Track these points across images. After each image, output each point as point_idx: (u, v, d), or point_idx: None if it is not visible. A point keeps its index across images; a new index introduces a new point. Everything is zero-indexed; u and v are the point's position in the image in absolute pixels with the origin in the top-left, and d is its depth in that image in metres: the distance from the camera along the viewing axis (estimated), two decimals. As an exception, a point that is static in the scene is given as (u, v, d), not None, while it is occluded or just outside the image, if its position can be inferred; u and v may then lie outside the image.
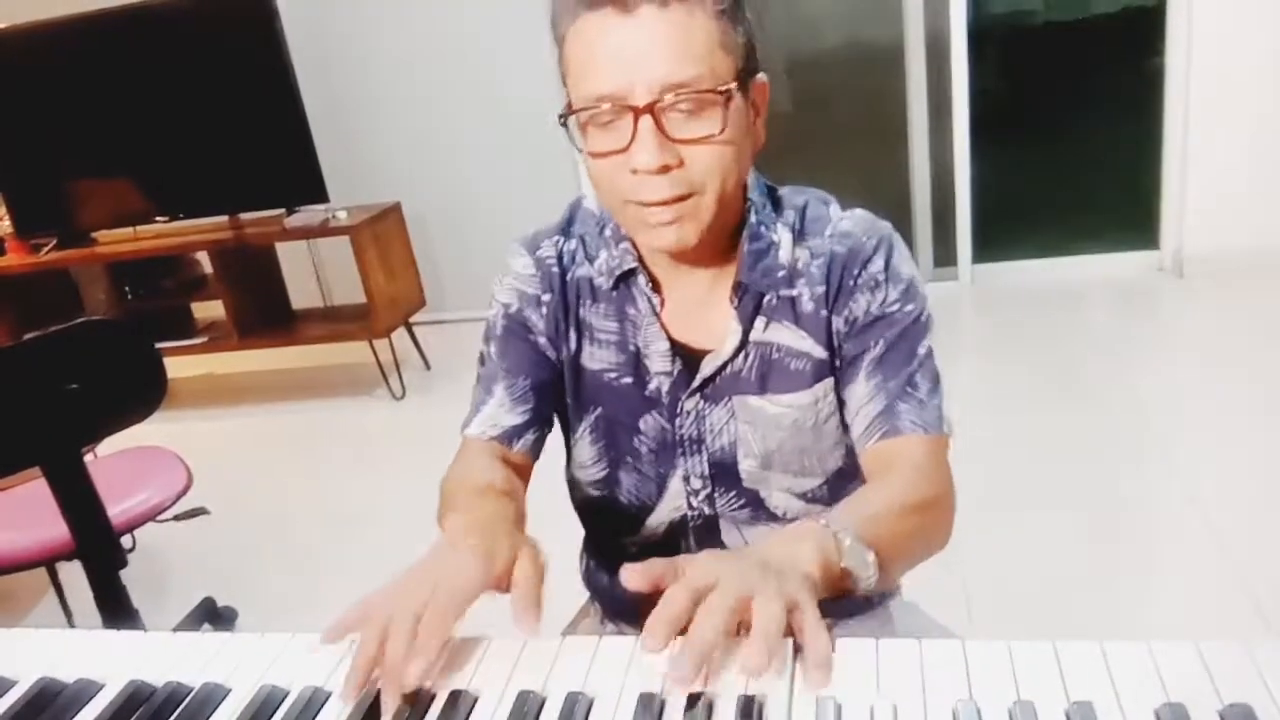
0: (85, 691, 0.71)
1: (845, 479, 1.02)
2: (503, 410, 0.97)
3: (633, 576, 0.65)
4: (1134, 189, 3.80)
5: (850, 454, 1.01)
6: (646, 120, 0.78)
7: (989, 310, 3.77)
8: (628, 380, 0.97)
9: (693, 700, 0.61)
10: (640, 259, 0.94)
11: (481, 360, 1.02)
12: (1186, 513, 2.19)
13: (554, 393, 1.00)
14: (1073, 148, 4.03)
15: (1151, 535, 2.18)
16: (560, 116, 0.84)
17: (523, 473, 0.97)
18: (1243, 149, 3.47)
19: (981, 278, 3.97)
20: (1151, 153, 3.69)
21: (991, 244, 3.96)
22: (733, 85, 0.80)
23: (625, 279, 0.95)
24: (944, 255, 4.02)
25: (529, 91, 3.94)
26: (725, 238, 0.91)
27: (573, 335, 0.98)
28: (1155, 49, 3.57)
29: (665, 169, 0.80)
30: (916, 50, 3.84)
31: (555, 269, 0.98)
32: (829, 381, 0.94)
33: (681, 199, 0.82)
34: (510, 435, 0.97)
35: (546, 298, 0.98)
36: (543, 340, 0.99)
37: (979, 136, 3.78)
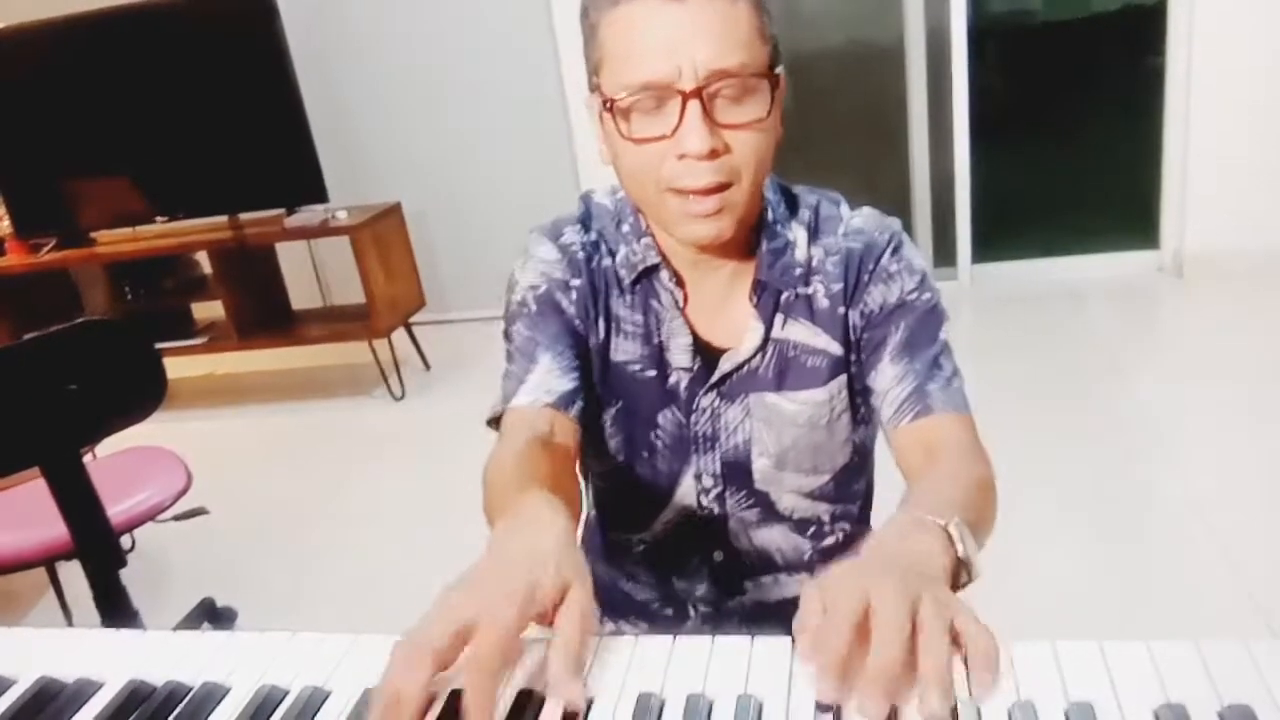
0: (85, 691, 0.71)
1: (850, 475, 1.03)
2: (552, 376, 0.92)
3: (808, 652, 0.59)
4: (1134, 189, 3.80)
5: (856, 450, 1.01)
6: (695, 105, 0.78)
7: (989, 310, 3.76)
8: (651, 373, 0.97)
9: (692, 699, 0.61)
10: (663, 255, 0.94)
11: (509, 339, 0.98)
12: (1186, 513, 2.19)
13: (589, 372, 0.97)
14: (1073, 148, 4.04)
15: (1151, 535, 2.18)
16: (605, 104, 0.82)
17: (574, 445, 0.92)
18: (1243, 149, 3.47)
19: (981, 278, 3.97)
20: (1152, 152, 3.69)
21: (991, 244, 3.96)
22: (777, 69, 0.81)
23: (647, 274, 0.95)
24: (944, 255, 4.01)
25: (530, 91, 3.94)
26: (745, 234, 0.92)
27: (601, 325, 0.97)
28: (1155, 48, 3.57)
29: (714, 154, 0.80)
30: (917, 49, 3.84)
31: (580, 256, 0.97)
32: (843, 378, 0.95)
33: (722, 187, 0.82)
34: (565, 400, 0.92)
35: (576, 283, 0.96)
36: (576, 322, 0.96)
37: (979, 136, 3.77)
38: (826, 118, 4.11)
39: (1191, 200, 3.59)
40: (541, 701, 0.64)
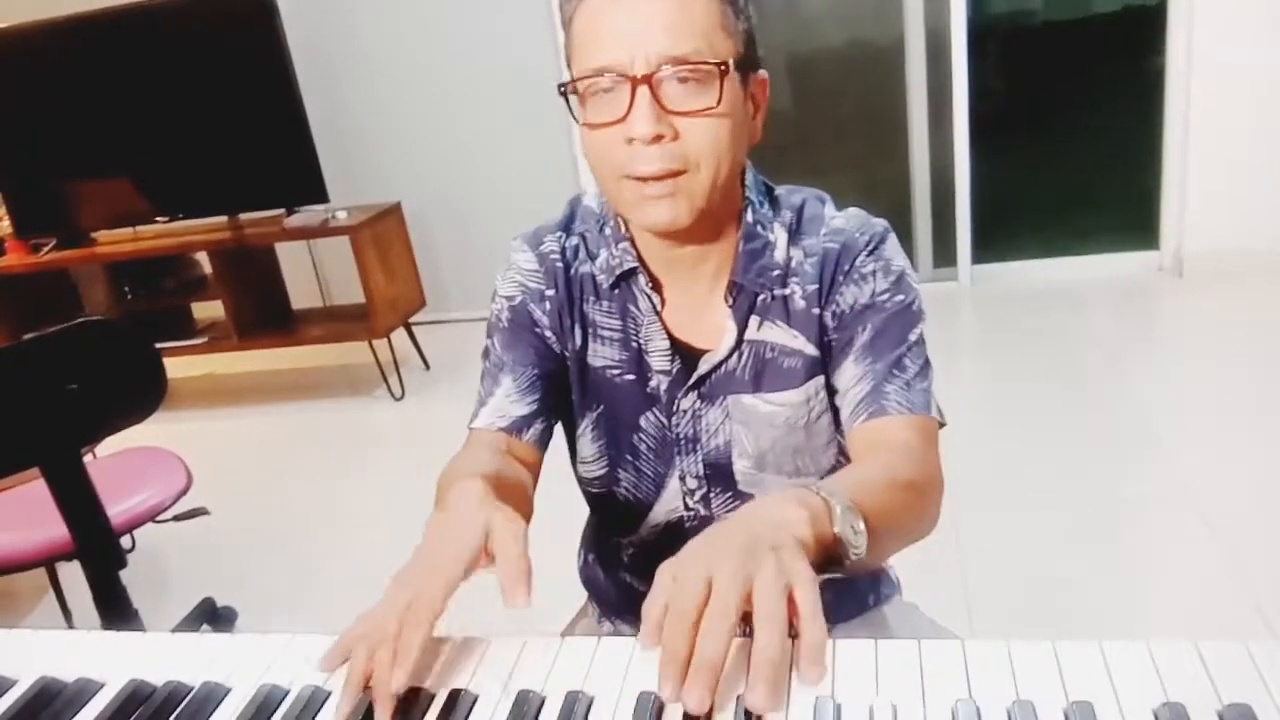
0: (85, 691, 0.71)
1: None
2: (509, 401, 0.97)
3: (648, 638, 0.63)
4: (1134, 189, 3.80)
5: (842, 453, 1.01)
6: (644, 90, 0.80)
7: (989, 310, 3.77)
8: (630, 377, 0.97)
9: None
10: (640, 258, 0.94)
11: (485, 354, 1.01)
12: (1186, 513, 2.19)
13: (560, 385, 1.00)
14: (1072, 147, 4.03)
15: (1151, 535, 2.18)
16: (560, 87, 0.85)
17: (531, 466, 0.96)
18: (1243, 149, 3.47)
19: (981, 278, 3.97)
20: (1152, 152, 3.69)
21: (991, 244, 3.96)
22: (730, 60, 0.82)
23: (625, 278, 0.95)
24: (944, 255, 4.02)
25: (529, 91, 3.95)
26: (721, 234, 0.92)
27: (578, 332, 0.98)
28: (1155, 48, 3.58)
29: (659, 138, 0.81)
30: (916, 49, 3.84)
31: (559, 264, 0.98)
32: (820, 380, 0.95)
33: (675, 174, 0.83)
34: (519, 426, 0.96)
35: (550, 293, 0.98)
36: (548, 334, 0.98)
37: (979, 136, 3.77)
38: (826, 118, 4.11)
39: (1191, 200, 3.59)
40: (541, 702, 0.64)
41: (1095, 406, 2.79)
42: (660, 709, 0.61)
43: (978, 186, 3.85)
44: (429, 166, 4.13)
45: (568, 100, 0.86)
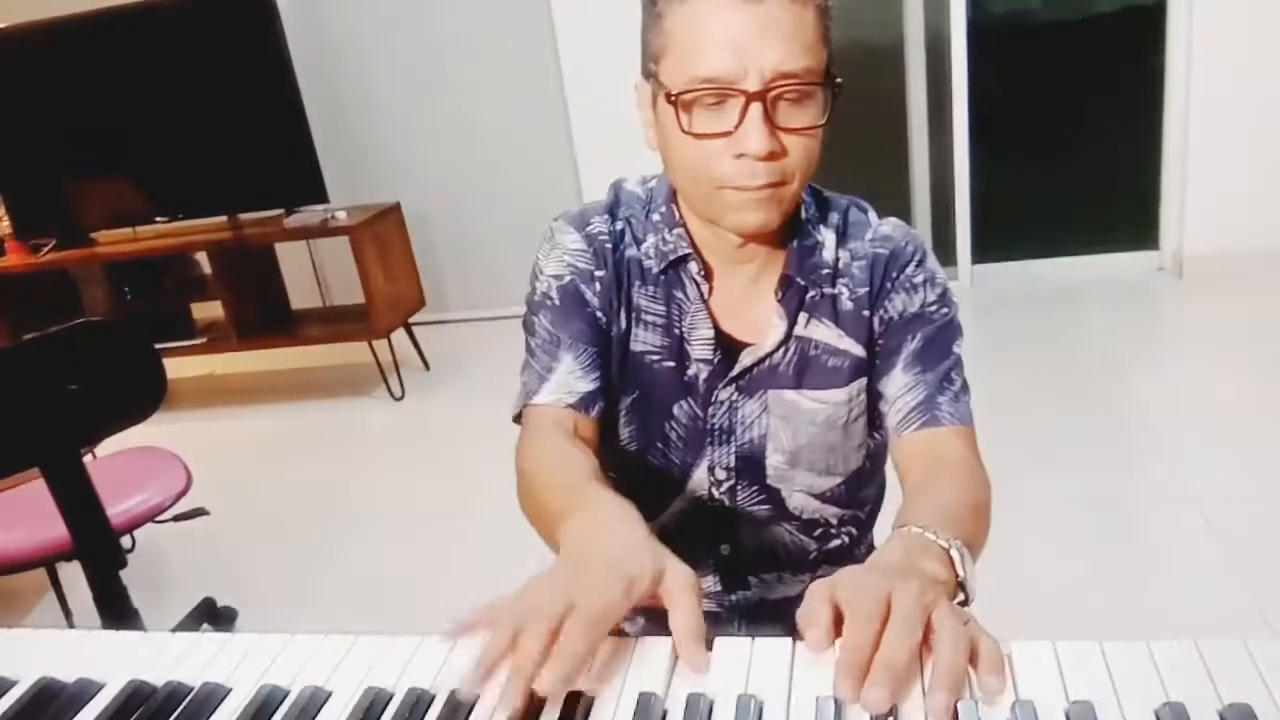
0: (85, 691, 0.71)
1: (863, 479, 1.03)
2: (574, 377, 0.94)
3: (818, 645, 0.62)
4: (1134, 189, 3.80)
5: (869, 455, 1.02)
6: (757, 107, 0.79)
7: (989, 311, 3.76)
8: (669, 364, 0.97)
9: (693, 699, 0.61)
10: (694, 246, 0.94)
11: (531, 330, 0.99)
12: (1186, 513, 2.19)
13: (610, 365, 0.99)
14: (1073, 148, 4.03)
15: (1151, 535, 2.18)
16: (667, 96, 0.82)
17: (593, 445, 0.94)
18: (1243, 149, 3.47)
19: (981, 278, 3.97)
20: (1151, 153, 3.69)
21: (991, 244, 3.95)
22: (838, 79, 0.82)
23: (676, 265, 0.95)
24: (944, 256, 4.01)
25: (530, 92, 3.94)
26: (778, 230, 0.92)
27: (624, 315, 0.97)
28: (1155, 49, 3.57)
29: (772, 156, 0.81)
30: (916, 50, 3.84)
31: (608, 245, 0.97)
32: (863, 381, 0.96)
33: (774, 185, 0.83)
34: (586, 402, 0.94)
35: (600, 274, 0.96)
36: (599, 315, 0.97)
37: (979, 136, 3.77)
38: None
39: (1191, 200, 3.59)
40: (542, 703, 0.64)
41: (1095, 407, 2.79)
42: (661, 709, 0.61)
43: (978, 186, 3.85)
44: (429, 166, 4.13)
45: (676, 109, 0.81)
